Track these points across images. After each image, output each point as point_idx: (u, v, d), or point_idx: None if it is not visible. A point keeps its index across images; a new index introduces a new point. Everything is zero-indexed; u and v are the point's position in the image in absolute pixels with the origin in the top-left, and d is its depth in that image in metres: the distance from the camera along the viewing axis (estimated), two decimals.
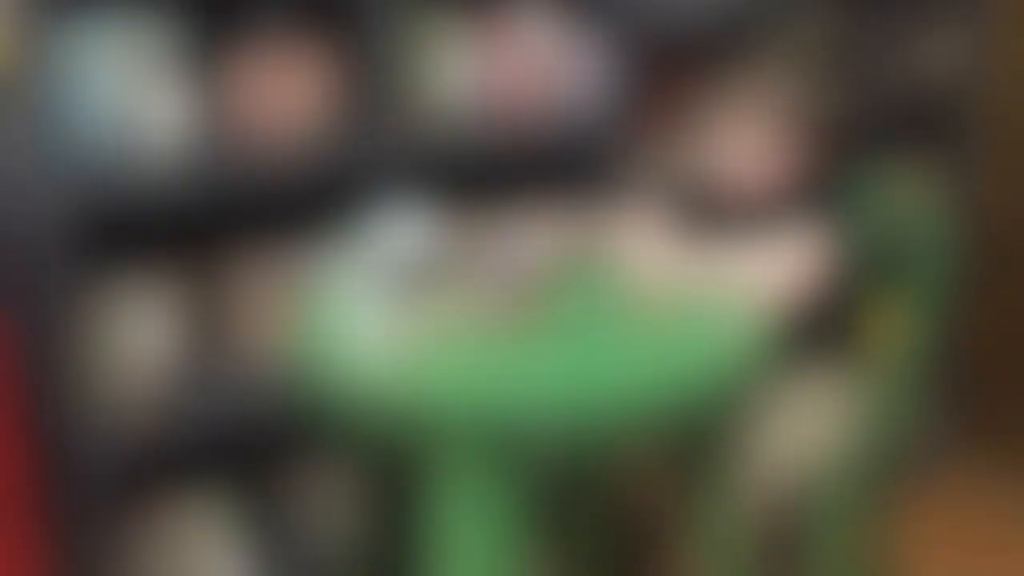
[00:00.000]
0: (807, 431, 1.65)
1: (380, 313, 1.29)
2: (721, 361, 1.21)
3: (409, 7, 1.65)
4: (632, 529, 1.84)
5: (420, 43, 1.68)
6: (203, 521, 1.65)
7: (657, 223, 1.74)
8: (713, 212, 1.77)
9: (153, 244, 1.58)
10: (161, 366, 1.55)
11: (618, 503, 1.81)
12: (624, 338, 1.32)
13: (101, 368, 1.51)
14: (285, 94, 1.56)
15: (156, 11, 1.46)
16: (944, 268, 1.78)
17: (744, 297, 1.47)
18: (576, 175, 2.00)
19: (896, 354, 1.72)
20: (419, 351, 1.23)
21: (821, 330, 1.72)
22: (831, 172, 1.72)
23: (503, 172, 2.05)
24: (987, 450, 2.74)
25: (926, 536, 2.56)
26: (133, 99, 1.43)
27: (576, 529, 1.67)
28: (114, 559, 1.55)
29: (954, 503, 2.71)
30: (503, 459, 1.20)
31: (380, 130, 1.63)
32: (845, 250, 1.64)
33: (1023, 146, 2.56)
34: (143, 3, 1.43)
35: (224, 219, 1.75)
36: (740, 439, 1.37)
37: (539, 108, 1.84)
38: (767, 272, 1.55)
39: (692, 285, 1.50)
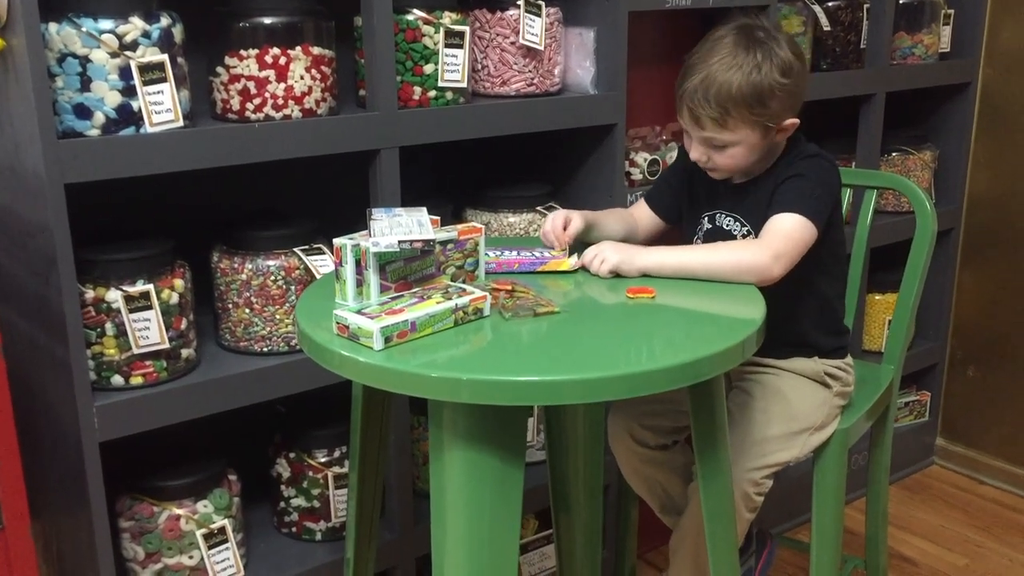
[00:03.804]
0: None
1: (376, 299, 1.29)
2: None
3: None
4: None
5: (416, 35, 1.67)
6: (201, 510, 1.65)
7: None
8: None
9: (148, 235, 1.58)
10: (156, 353, 1.55)
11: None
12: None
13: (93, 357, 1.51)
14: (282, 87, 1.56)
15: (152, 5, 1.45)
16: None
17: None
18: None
19: None
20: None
21: None
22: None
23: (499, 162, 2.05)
24: (981, 444, 2.75)
25: (917, 531, 2.56)
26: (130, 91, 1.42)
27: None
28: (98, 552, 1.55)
29: (944, 498, 2.71)
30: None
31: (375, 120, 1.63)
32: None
33: (1017, 130, 2.56)
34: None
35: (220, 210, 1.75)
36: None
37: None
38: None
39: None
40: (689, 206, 1.70)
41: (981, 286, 2.70)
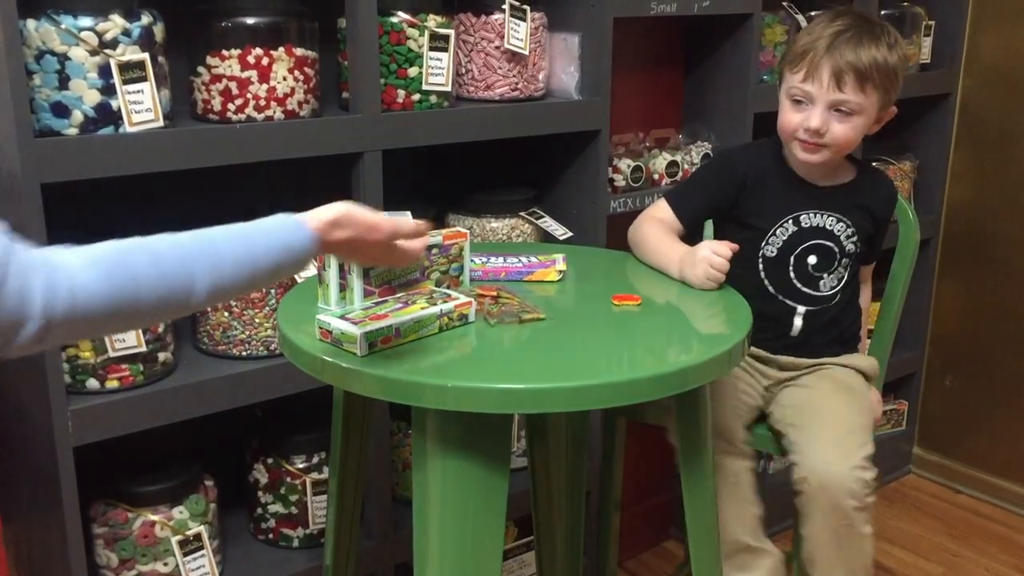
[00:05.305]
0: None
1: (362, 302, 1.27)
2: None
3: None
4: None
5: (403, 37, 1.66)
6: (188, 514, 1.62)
7: None
8: None
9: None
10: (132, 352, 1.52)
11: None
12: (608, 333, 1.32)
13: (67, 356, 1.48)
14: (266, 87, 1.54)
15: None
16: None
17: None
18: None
19: None
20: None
21: None
22: None
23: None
24: (956, 451, 2.76)
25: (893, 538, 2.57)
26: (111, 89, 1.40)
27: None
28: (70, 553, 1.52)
29: (921, 506, 2.72)
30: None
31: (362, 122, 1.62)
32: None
33: (996, 141, 2.58)
34: None
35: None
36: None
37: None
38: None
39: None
40: (760, 207, 1.67)
41: (959, 296, 2.72)
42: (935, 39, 2.57)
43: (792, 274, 1.66)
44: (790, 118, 1.61)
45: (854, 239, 1.68)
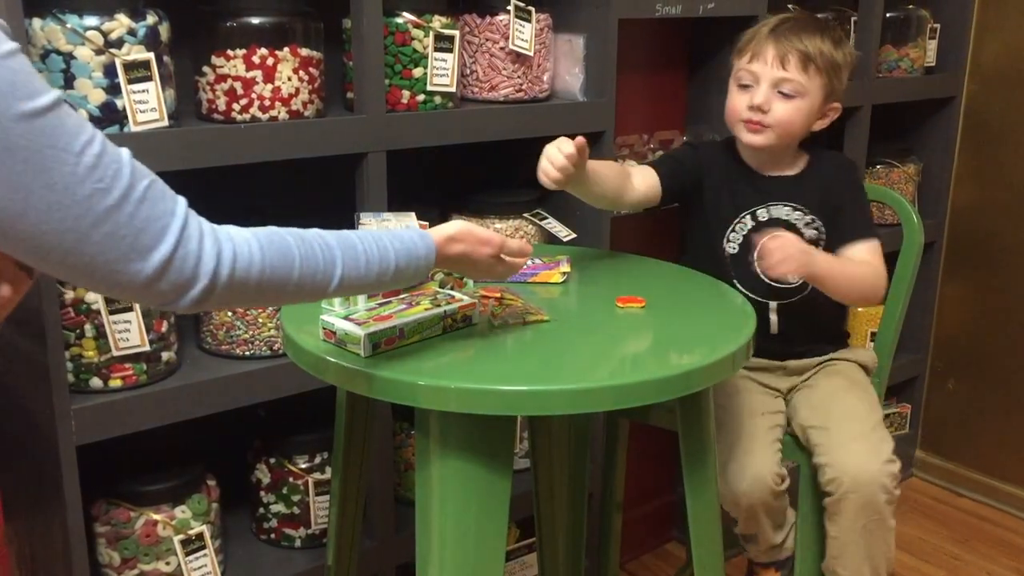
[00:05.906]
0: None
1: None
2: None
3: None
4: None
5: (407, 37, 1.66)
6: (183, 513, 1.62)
7: None
8: None
9: None
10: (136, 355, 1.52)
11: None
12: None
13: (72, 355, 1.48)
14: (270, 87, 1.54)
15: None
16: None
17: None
18: None
19: None
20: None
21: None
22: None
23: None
24: (956, 454, 2.76)
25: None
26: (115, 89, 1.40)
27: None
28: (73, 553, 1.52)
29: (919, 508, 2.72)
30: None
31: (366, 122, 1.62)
32: None
33: (1000, 144, 2.57)
34: None
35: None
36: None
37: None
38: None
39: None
40: (717, 203, 1.71)
41: (962, 299, 2.72)
42: (940, 42, 2.57)
43: (757, 269, 1.65)
44: (736, 101, 1.66)
45: (815, 225, 1.69)
